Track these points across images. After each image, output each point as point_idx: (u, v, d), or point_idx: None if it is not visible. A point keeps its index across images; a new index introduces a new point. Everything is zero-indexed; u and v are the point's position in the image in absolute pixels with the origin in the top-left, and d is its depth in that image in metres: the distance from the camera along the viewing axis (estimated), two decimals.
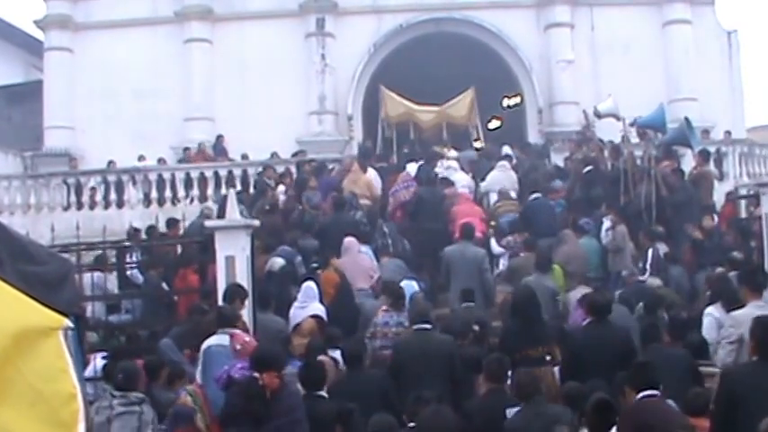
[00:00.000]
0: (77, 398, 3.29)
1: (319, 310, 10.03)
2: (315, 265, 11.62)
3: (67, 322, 3.47)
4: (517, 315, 8.32)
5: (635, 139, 15.65)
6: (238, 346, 7.34)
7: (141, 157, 21.06)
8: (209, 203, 17.57)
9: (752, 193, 14.83)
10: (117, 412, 6.39)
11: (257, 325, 9.25)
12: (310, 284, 10.37)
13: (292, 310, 10.16)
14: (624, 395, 6.07)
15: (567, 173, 16.55)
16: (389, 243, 12.61)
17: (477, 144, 19.75)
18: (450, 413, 5.92)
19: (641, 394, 5.80)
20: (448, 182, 14.92)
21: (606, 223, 12.93)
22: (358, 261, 11.56)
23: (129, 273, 12.04)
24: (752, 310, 7.25)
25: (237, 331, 7.65)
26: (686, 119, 14.98)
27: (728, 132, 22.12)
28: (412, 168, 15.37)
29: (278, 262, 11.22)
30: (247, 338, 7.50)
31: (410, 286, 10.87)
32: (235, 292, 8.74)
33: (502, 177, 15.21)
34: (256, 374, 6.21)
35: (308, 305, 10.05)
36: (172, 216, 14.67)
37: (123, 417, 6.40)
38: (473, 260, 11.21)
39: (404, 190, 14.06)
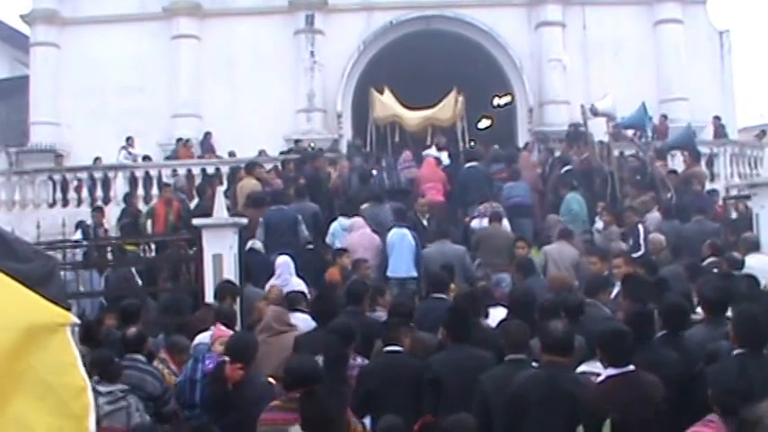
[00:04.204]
0: (87, 391, 3.38)
1: (300, 285, 9.89)
2: None
3: (74, 318, 3.59)
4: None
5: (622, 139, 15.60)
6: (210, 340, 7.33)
7: (129, 140, 20.75)
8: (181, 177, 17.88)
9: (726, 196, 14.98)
10: (105, 412, 6.22)
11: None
12: (286, 259, 10.27)
13: (268, 287, 10.05)
14: None
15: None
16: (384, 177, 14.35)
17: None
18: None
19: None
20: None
21: (599, 223, 12.87)
22: (365, 236, 11.75)
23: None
24: None
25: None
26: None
27: (717, 117, 22.10)
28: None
29: (257, 245, 11.27)
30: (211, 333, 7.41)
31: (402, 234, 11.29)
32: (226, 289, 8.64)
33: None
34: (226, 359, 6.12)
35: (288, 282, 9.95)
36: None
37: (113, 414, 6.26)
38: (454, 258, 10.92)
39: (407, 168, 15.17)
